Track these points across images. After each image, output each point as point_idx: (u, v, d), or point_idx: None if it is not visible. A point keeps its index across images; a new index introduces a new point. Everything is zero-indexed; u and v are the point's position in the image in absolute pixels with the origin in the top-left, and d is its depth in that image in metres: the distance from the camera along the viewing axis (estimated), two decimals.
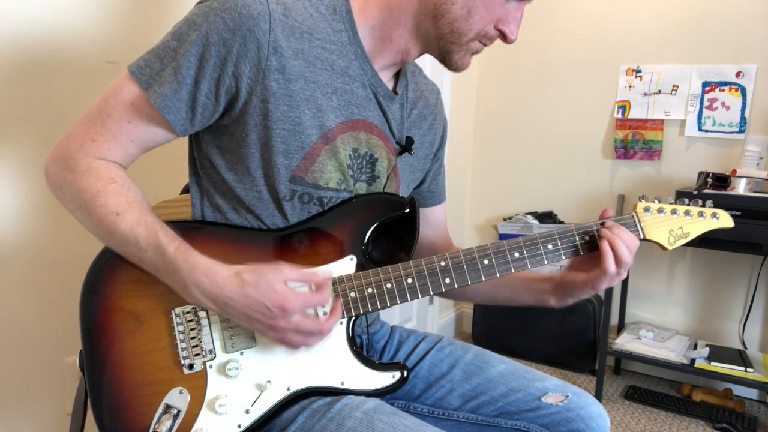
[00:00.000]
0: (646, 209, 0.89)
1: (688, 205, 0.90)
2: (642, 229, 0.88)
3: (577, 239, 0.87)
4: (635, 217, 0.89)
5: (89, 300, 0.80)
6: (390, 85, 0.93)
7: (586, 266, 0.88)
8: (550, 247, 0.86)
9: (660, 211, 0.89)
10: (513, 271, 0.85)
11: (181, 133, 0.80)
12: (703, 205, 0.90)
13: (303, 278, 0.77)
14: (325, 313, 0.80)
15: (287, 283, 0.74)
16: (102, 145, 0.78)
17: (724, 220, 0.90)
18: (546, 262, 0.86)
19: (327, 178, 0.84)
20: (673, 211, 0.89)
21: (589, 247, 0.87)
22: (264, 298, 0.73)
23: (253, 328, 0.77)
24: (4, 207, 1.16)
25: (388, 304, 0.84)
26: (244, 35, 0.74)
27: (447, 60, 0.87)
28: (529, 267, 0.86)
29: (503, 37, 0.86)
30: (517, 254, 0.85)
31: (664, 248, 0.89)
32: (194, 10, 0.77)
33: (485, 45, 0.88)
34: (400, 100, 0.95)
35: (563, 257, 0.86)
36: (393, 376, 0.84)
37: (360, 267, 0.84)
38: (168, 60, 0.76)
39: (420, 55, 0.91)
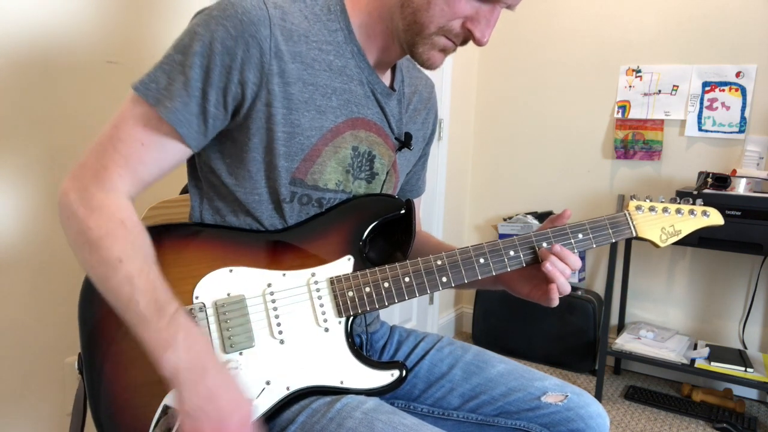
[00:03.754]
0: (638, 208, 0.91)
1: (679, 203, 0.92)
2: (634, 228, 0.90)
3: (572, 239, 0.87)
4: (627, 215, 0.90)
5: (88, 302, 0.80)
6: (387, 82, 0.93)
7: (533, 279, 0.89)
8: (544, 245, 0.87)
9: (651, 209, 0.91)
10: (509, 269, 0.86)
11: (195, 147, 0.78)
12: (694, 204, 0.92)
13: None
14: None
15: (249, 421, 0.73)
16: (113, 172, 0.75)
17: (714, 218, 0.92)
18: (540, 260, 0.86)
19: (326, 179, 0.85)
20: (665, 210, 0.91)
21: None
22: (239, 403, 0.71)
23: (201, 411, 0.70)
24: (4, 207, 1.16)
25: (386, 304, 0.84)
26: (247, 41, 0.74)
27: (412, 53, 0.85)
28: (524, 265, 0.86)
29: (472, 37, 0.82)
30: (512, 252, 0.86)
31: (656, 246, 0.91)
32: (194, 20, 0.77)
33: (454, 43, 0.83)
34: (398, 96, 0.95)
35: None
36: (392, 375, 0.84)
37: (357, 267, 0.84)
38: (175, 74, 0.75)
39: (400, 54, 0.89)
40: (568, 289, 0.85)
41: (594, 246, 0.88)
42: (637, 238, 0.90)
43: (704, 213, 0.91)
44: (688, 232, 0.92)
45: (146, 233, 0.77)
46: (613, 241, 0.89)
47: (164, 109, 0.74)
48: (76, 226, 0.76)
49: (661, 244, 0.91)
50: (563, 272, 0.84)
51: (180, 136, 0.76)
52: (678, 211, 0.91)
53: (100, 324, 0.79)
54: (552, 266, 0.83)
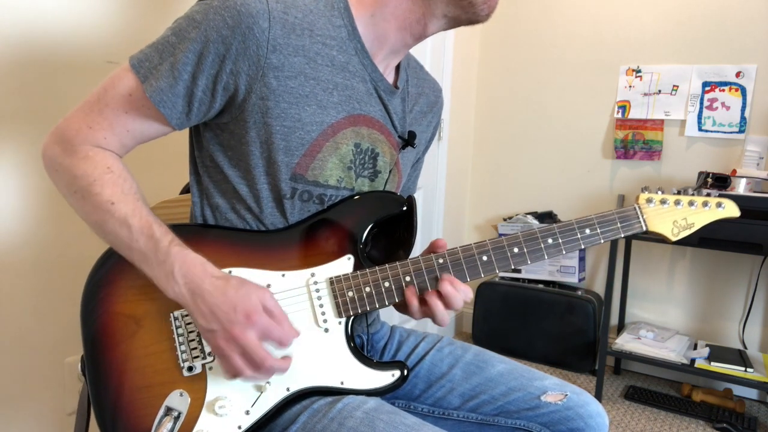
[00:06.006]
0: (649, 201, 0.87)
1: (692, 195, 0.88)
2: (645, 221, 0.87)
3: (579, 234, 0.86)
4: (637, 209, 0.87)
5: (90, 305, 0.80)
6: (390, 79, 0.93)
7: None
8: (549, 241, 0.85)
9: (663, 202, 0.87)
10: (513, 267, 0.85)
11: (177, 126, 0.80)
12: (708, 195, 0.88)
13: (277, 312, 0.76)
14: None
15: (265, 304, 0.75)
16: (98, 134, 0.78)
17: (730, 210, 0.87)
18: (546, 257, 0.85)
19: (327, 175, 0.85)
20: (677, 202, 0.87)
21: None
22: (237, 301, 0.73)
23: (209, 329, 0.74)
24: (4, 206, 1.16)
25: (387, 303, 0.84)
26: (243, 33, 0.74)
27: (472, 3, 0.83)
28: (529, 262, 0.85)
29: None
30: (516, 249, 0.85)
31: (668, 240, 0.88)
32: (195, 7, 0.77)
33: None
34: (402, 94, 0.95)
35: (563, 251, 0.85)
36: (393, 375, 0.84)
37: (358, 266, 0.84)
38: (166, 55, 0.76)
39: (439, 25, 0.87)
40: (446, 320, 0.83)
41: (602, 241, 0.85)
42: (648, 232, 0.87)
43: (719, 205, 0.87)
44: (701, 225, 0.87)
45: (133, 178, 0.80)
46: (623, 236, 0.86)
47: (150, 87, 0.76)
48: (64, 176, 0.79)
49: (673, 238, 0.87)
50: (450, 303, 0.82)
51: (162, 116, 0.78)
52: (691, 203, 0.87)
53: (102, 327, 0.79)
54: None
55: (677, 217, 0.87)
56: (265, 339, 0.75)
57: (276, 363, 0.75)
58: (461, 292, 0.82)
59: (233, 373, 0.75)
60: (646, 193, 0.88)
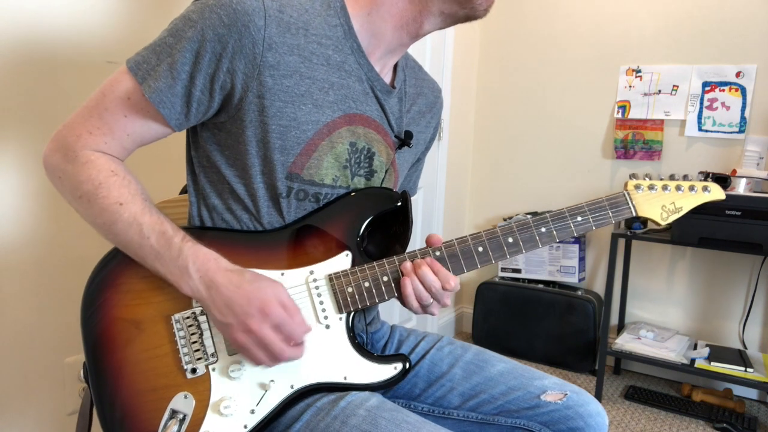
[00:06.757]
0: (637, 187, 0.90)
1: (679, 180, 0.91)
2: (634, 207, 0.89)
3: (570, 222, 0.87)
4: (626, 195, 0.89)
5: (90, 311, 0.80)
6: (387, 79, 0.93)
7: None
8: (543, 230, 0.86)
9: (651, 187, 0.90)
10: (508, 256, 0.86)
11: (176, 127, 0.81)
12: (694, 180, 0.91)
13: (290, 306, 0.77)
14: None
15: (279, 298, 0.76)
16: (99, 138, 0.79)
17: (716, 193, 0.90)
18: (540, 245, 0.87)
19: (323, 174, 0.85)
20: (665, 187, 0.90)
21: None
22: (251, 294, 0.74)
23: (225, 323, 0.75)
24: (4, 205, 1.16)
25: (386, 297, 0.84)
26: (240, 31, 0.75)
27: (467, 2, 0.83)
28: (524, 251, 0.86)
29: None
30: (510, 239, 0.86)
31: (658, 224, 0.90)
32: (190, 7, 0.78)
33: None
34: (398, 94, 0.95)
35: (556, 239, 0.87)
36: (395, 368, 0.85)
37: (356, 262, 0.85)
38: (164, 56, 0.76)
39: (436, 23, 0.87)
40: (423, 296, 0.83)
41: (594, 228, 0.87)
42: (638, 217, 0.89)
43: (705, 189, 0.89)
44: (689, 209, 0.90)
45: (138, 181, 0.81)
46: (613, 221, 0.88)
47: (149, 88, 0.76)
48: (68, 183, 0.79)
49: (662, 222, 0.89)
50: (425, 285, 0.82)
51: (162, 116, 0.78)
52: (678, 188, 0.90)
53: (103, 332, 0.80)
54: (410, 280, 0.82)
55: (665, 201, 0.90)
56: (278, 332, 0.76)
57: (292, 352, 0.77)
58: (440, 274, 0.82)
59: (256, 363, 0.78)
60: (634, 179, 0.91)
